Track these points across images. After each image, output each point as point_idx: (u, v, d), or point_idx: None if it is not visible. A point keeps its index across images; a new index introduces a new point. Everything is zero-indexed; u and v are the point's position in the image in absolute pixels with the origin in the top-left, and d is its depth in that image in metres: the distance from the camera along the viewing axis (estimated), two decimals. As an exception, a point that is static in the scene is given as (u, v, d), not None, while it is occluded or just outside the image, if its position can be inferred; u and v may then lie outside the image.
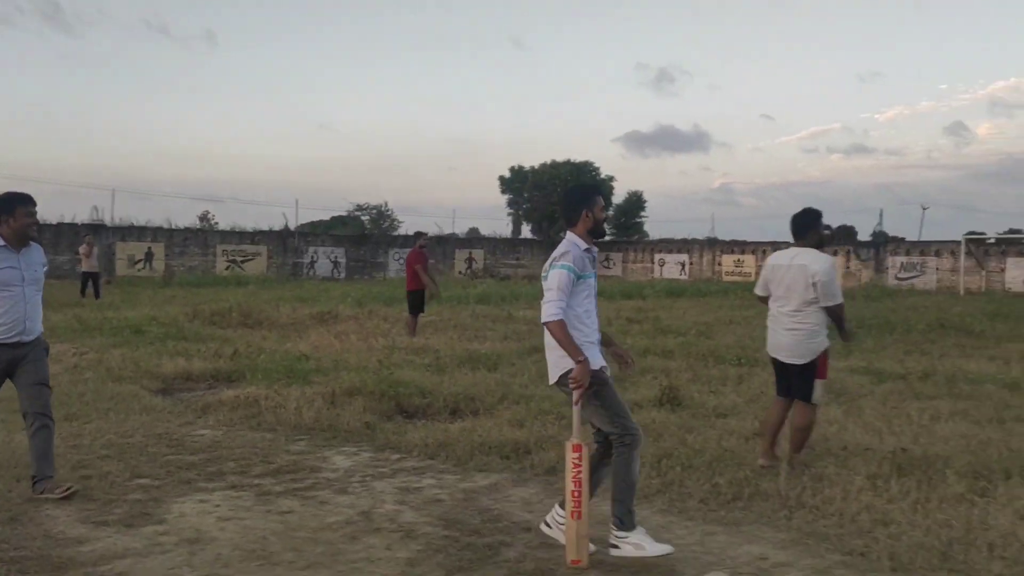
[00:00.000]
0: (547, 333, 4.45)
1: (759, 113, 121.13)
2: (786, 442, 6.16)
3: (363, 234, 42.53)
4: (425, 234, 15.29)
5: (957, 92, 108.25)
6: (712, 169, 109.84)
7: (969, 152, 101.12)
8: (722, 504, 5.32)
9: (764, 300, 6.34)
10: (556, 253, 4.54)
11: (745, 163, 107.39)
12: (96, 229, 31.83)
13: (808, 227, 6.16)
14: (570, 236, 4.65)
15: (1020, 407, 8.17)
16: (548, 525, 4.59)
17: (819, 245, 6.11)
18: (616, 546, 4.33)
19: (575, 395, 4.32)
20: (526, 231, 47.70)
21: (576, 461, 4.27)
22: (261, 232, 37.50)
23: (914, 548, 4.46)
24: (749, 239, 40.09)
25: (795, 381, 6.05)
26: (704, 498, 5.41)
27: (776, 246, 37.90)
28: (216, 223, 44.10)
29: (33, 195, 5.42)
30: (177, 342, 12.53)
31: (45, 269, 5.58)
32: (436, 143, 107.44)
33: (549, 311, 4.35)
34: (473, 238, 45.81)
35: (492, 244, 43.77)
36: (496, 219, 72.19)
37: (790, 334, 6.04)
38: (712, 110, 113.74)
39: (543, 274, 4.59)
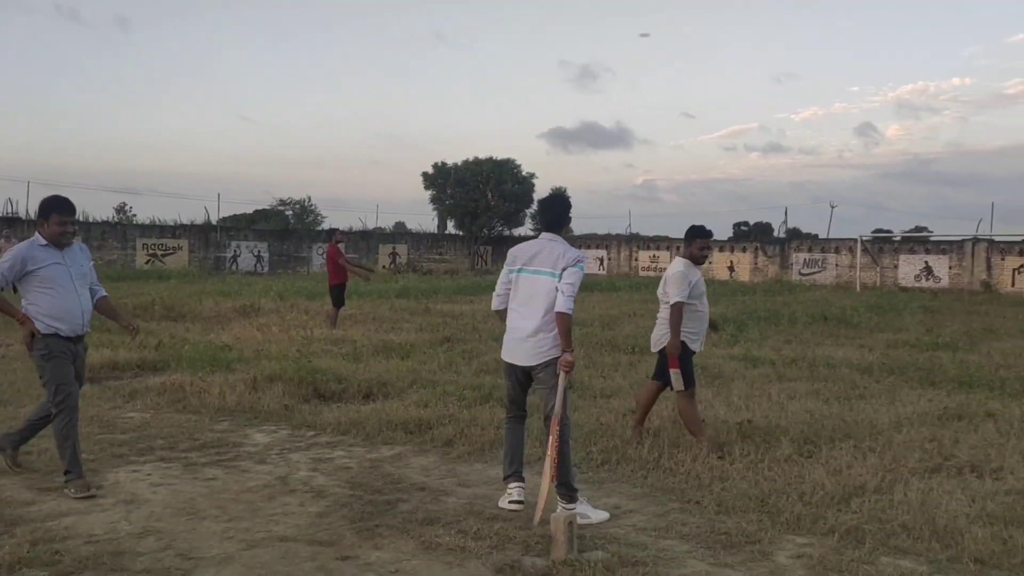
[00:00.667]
0: (533, 319, 5.22)
1: (680, 111, 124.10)
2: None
3: (286, 228, 42.61)
4: (339, 230, 16.16)
5: (868, 94, 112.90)
6: (635, 166, 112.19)
7: (878, 152, 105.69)
8: (592, 468, 6.24)
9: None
10: (570, 254, 5.21)
11: (666, 160, 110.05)
12: (11, 223, 31.34)
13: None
14: (560, 238, 5.44)
15: (866, 387, 9.34)
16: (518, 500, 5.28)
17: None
18: None
19: (562, 377, 5.14)
20: (450, 227, 48.39)
21: (557, 434, 5.02)
22: (183, 226, 37.31)
23: (739, 497, 5.43)
24: (672, 235, 41.48)
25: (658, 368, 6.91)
26: (577, 463, 6.28)
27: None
28: (134, 215, 43.56)
29: None
30: (101, 334, 12.91)
31: (91, 264, 5.80)
32: (359, 136, 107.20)
33: (568, 305, 5.12)
34: (397, 233, 46.29)
35: (416, 239, 44.32)
36: (421, 214, 72.51)
37: (658, 325, 6.98)
38: (634, 107, 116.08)
39: (549, 270, 5.19)
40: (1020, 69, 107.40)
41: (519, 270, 5.38)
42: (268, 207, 51.18)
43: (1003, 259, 30.95)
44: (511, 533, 4.75)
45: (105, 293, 5.97)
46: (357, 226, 42.53)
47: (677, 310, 6.68)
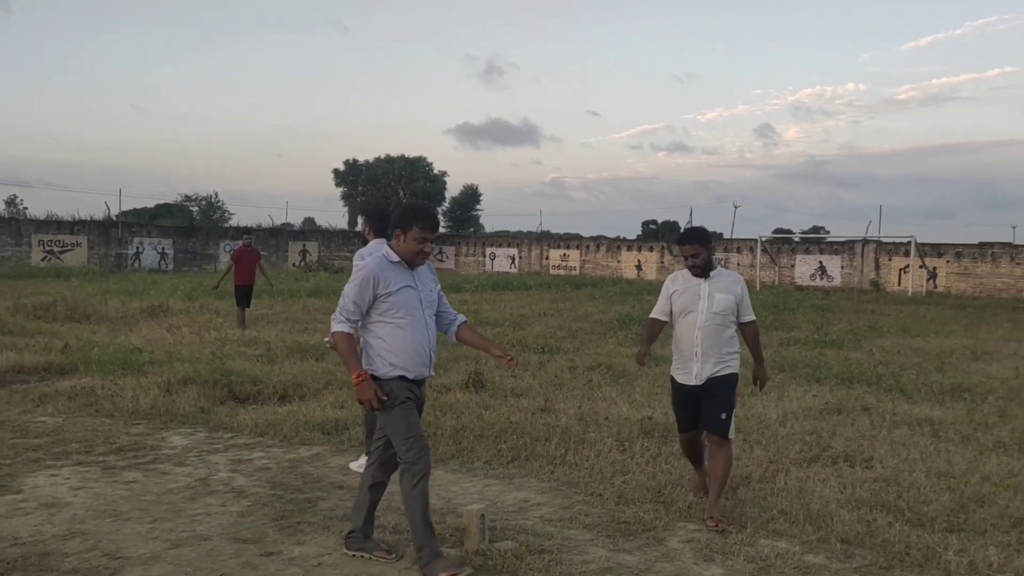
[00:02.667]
0: None
1: (586, 109, 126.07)
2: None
3: (192, 225, 41.72)
4: (247, 229, 16.23)
5: (769, 97, 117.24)
6: (543, 163, 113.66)
7: (778, 153, 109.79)
8: (502, 464, 6.60)
9: None
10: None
11: (575, 158, 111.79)
12: None
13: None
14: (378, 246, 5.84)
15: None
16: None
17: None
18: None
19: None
20: (360, 224, 48.22)
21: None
22: (81, 221, 36.16)
23: (638, 489, 5.88)
24: (583, 233, 42.34)
25: None
26: (488, 460, 6.68)
27: (601, 240, 40.42)
28: (26, 209, 41.93)
29: None
30: (2, 336, 12.64)
31: (439, 288, 4.75)
32: (262, 129, 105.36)
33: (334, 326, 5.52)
34: (307, 230, 45.86)
35: (327, 237, 44.01)
36: (332, 211, 71.70)
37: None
38: (541, 104, 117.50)
39: None
40: (910, 76, 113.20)
41: None
42: (172, 202, 49.96)
43: (890, 259, 32.78)
44: (427, 527, 5.06)
45: (464, 319, 4.88)
46: (266, 223, 41.96)
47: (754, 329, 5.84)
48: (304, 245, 42.09)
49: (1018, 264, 30.01)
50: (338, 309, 4.39)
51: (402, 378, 4.39)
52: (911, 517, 5.29)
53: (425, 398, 4.77)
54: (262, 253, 15.73)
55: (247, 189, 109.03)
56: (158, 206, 50.57)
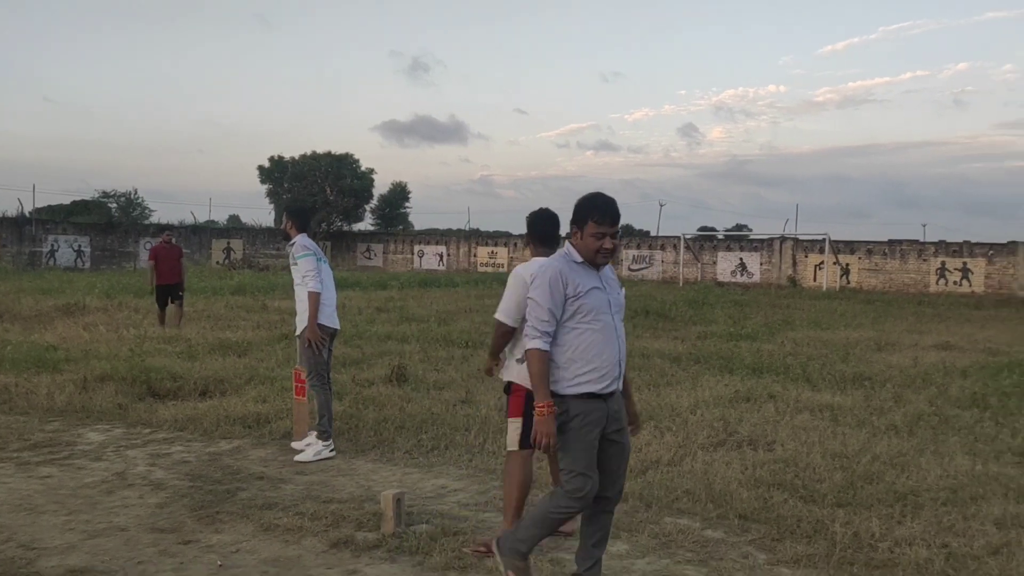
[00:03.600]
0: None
1: (513, 107, 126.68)
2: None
3: (110, 222, 40.60)
4: (168, 225, 15.85)
5: (694, 97, 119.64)
6: (471, 161, 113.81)
7: (702, 153, 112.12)
8: (422, 454, 6.76)
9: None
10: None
11: (503, 156, 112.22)
12: None
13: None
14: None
15: (673, 375, 10.35)
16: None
17: None
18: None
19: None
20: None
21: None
22: (-8, 218, 34.90)
23: (551, 475, 6.10)
24: (513, 231, 42.51)
25: None
26: (409, 450, 6.83)
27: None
28: (-67, 206, 40.20)
29: None
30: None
31: (623, 291, 4.19)
32: (183, 125, 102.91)
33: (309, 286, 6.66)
34: (231, 228, 45.09)
35: (252, 234, 43.34)
36: (257, 208, 70.60)
37: None
38: (468, 102, 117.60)
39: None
40: (828, 79, 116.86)
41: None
42: (90, 199, 48.53)
43: (806, 256, 33.92)
44: (345, 513, 5.20)
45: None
46: (188, 220, 41.13)
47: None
48: (228, 243, 41.37)
49: (924, 260, 31.39)
50: (528, 324, 3.85)
51: (590, 395, 3.83)
52: (804, 494, 5.63)
53: (621, 416, 3.99)
54: (185, 251, 15.38)
55: (169, 186, 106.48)
56: (74, 203, 49.04)
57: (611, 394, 3.85)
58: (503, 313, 4.66)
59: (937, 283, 30.87)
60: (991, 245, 30.47)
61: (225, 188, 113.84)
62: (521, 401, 4.59)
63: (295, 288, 6.86)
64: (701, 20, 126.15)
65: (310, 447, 6.55)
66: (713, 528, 5.07)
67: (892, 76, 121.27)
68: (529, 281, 4.33)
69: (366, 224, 48.73)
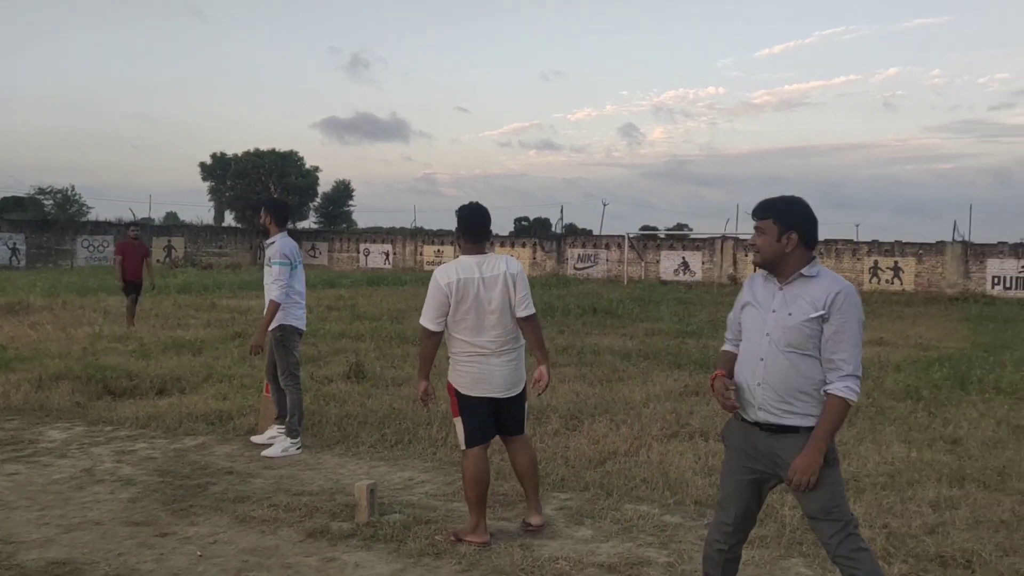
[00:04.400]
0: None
1: (455, 105, 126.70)
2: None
3: (46, 219, 39.58)
4: (135, 221, 15.54)
5: (636, 98, 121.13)
6: (414, 159, 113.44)
7: (644, 153, 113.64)
8: (387, 447, 6.93)
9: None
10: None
11: (446, 154, 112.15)
12: None
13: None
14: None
15: (624, 370, 10.67)
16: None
17: None
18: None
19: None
20: (229, 219, 46.98)
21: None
22: (-79, 215, 33.78)
23: (515, 465, 6.32)
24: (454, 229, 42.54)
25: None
26: (373, 444, 6.99)
27: (472, 238, 40.83)
28: None
29: None
30: None
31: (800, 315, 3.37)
32: (118, 120, 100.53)
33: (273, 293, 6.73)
34: (172, 225, 44.34)
35: (193, 232, 42.68)
36: (198, 205, 69.46)
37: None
38: (409, 99, 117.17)
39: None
40: (765, 81, 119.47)
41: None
42: (24, 195, 47.17)
43: (747, 255, 34.70)
44: (319, 504, 5.35)
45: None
46: (127, 217, 40.33)
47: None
48: (169, 240, 40.68)
49: (858, 259, 32.43)
50: (854, 367, 3.30)
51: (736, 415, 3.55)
52: (755, 481, 5.94)
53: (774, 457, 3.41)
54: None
55: (106, 182, 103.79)
56: (7, 199, 47.66)
57: (756, 424, 3.39)
58: (424, 317, 4.80)
59: (870, 281, 31.93)
60: (921, 245, 31.62)
61: (164, 185, 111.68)
62: (455, 399, 4.88)
63: (265, 287, 6.93)
64: (642, 22, 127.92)
65: (278, 443, 6.66)
66: (671, 513, 5.35)
67: (826, 80, 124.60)
68: (443, 284, 4.62)
69: (310, 222, 48.41)
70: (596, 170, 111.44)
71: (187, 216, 47.73)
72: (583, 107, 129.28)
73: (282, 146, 45.45)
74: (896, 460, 6.50)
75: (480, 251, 4.86)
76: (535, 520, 4.98)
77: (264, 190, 43.10)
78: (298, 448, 6.69)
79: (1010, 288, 29.70)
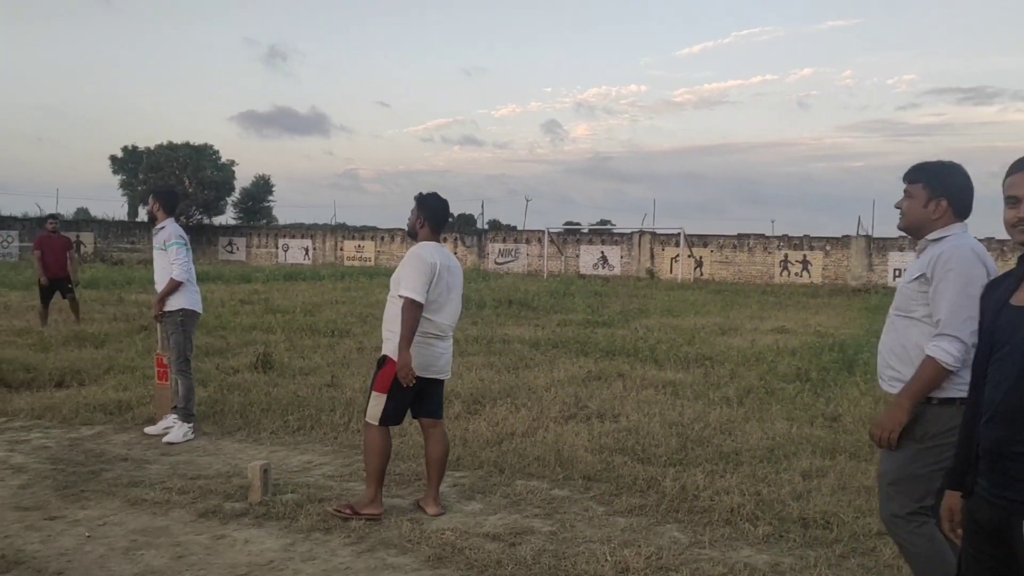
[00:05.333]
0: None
1: (375, 100, 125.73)
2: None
3: (-56, 213, 37.92)
4: (54, 214, 14.82)
5: (559, 95, 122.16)
6: (335, 154, 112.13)
7: (567, 149, 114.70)
8: (288, 433, 6.99)
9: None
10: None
11: (367, 149, 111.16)
12: None
13: None
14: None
15: (532, 358, 10.90)
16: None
17: None
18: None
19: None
20: (142, 214, 45.74)
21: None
22: None
23: (413, 447, 6.45)
24: (380, 225, 42.30)
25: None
26: (275, 430, 7.04)
27: (397, 232, 40.79)
28: None
29: None
30: None
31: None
32: (21, 112, 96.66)
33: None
34: (82, 220, 42.97)
35: (104, 227, 41.46)
36: (109, 200, 67.39)
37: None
38: (329, 93, 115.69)
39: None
40: (686, 80, 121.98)
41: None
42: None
43: (663, 249, 35.52)
44: (213, 487, 5.41)
45: None
46: (33, 212, 38.94)
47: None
48: (78, 236, 39.39)
49: (770, 253, 33.50)
50: (947, 326, 3.13)
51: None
52: (643, 457, 6.23)
53: None
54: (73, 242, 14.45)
55: (10, 176, 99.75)
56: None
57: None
58: (413, 290, 4.71)
59: (781, 274, 33.01)
60: (828, 239, 32.84)
61: (73, 179, 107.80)
62: (391, 377, 4.80)
63: (157, 268, 6.91)
64: (565, 20, 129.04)
65: (177, 428, 6.66)
66: (560, 488, 5.58)
67: (744, 79, 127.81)
68: (430, 261, 4.78)
69: (227, 218, 47.50)
70: (520, 166, 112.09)
71: (98, 211, 46.27)
72: (508, 103, 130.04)
73: (197, 139, 44.44)
74: (778, 436, 6.87)
75: (439, 240, 5.10)
76: (432, 510, 5.07)
77: (178, 184, 42.12)
78: (194, 432, 6.71)
79: (909, 280, 31.10)
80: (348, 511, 4.88)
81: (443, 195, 5.18)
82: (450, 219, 5.75)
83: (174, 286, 6.78)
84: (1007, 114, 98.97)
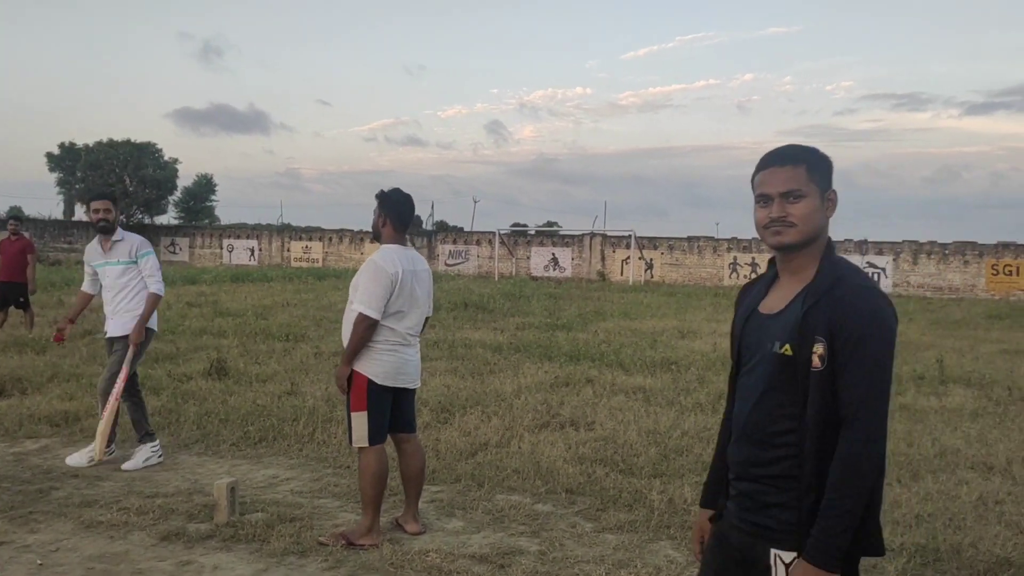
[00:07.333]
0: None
1: (316, 98, 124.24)
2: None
3: None
4: (17, 216, 13.83)
5: (506, 96, 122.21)
6: (276, 152, 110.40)
7: (514, 151, 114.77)
8: (250, 445, 6.64)
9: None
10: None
11: (309, 148, 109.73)
12: None
13: None
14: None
15: (496, 363, 10.66)
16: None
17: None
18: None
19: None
20: (80, 213, 44.34)
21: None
22: None
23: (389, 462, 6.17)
24: (326, 226, 41.63)
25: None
26: (235, 442, 6.68)
27: (344, 233, 40.18)
28: None
29: None
30: None
31: None
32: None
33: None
34: (14, 219, 41.42)
35: (40, 227, 40.01)
36: (45, 198, 65.23)
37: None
38: (268, 90, 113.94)
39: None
40: (631, 83, 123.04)
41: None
42: None
43: (614, 251, 35.58)
44: (174, 506, 5.06)
45: None
46: (-35, 210, 37.41)
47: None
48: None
49: (719, 256, 33.77)
50: None
51: None
52: (624, 468, 6.03)
53: None
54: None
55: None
56: None
57: None
58: (367, 305, 4.45)
59: (730, 276, 33.30)
60: (776, 242, 33.24)
61: (6, 177, 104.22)
62: (364, 391, 4.51)
63: (112, 286, 6.21)
64: (512, 21, 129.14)
65: (139, 453, 6.07)
66: (543, 502, 5.34)
67: (687, 83, 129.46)
68: (390, 272, 4.44)
69: (169, 217, 46.32)
70: (465, 167, 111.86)
71: (31, 210, 44.70)
72: (453, 104, 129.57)
73: (138, 137, 43.23)
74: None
75: (403, 242, 4.74)
76: (412, 528, 4.79)
77: (118, 183, 40.92)
78: (160, 457, 6.14)
79: (855, 283, 31.60)
80: (343, 541, 4.53)
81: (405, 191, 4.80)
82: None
83: (157, 302, 6.23)
84: (939, 120, 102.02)
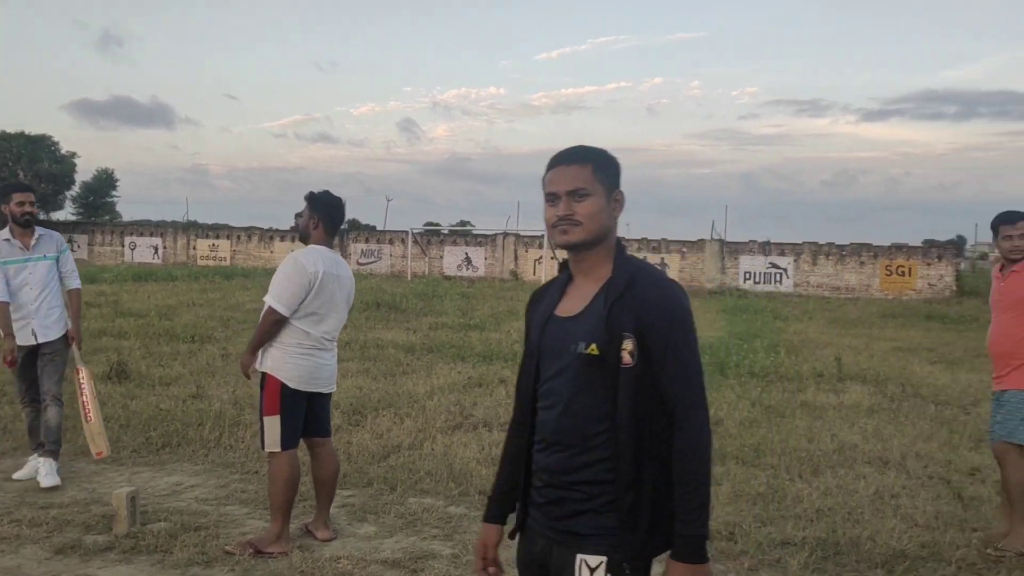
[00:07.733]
0: None
1: (223, 92, 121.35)
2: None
3: None
4: None
5: (419, 95, 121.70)
6: (181, 148, 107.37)
7: (427, 150, 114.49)
8: (152, 452, 6.42)
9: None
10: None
11: (216, 144, 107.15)
12: None
13: None
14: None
15: (409, 364, 10.58)
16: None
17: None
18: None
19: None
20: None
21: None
22: None
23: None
24: (234, 223, 40.57)
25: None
26: (136, 448, 6.45)
27: (253, 231, 39.26)
28: None
29: None
30: None
31: None
32: None
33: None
34: None
35: (-77, 221, 37.86)
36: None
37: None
38: (171, 83, 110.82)
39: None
40: (544, 84, 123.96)
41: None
42: None
43: (527, 251, 35.78)
44: (69, 517, 4.85)
45: None
46: None
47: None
48: None
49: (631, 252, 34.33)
50: None
51: None
52: (537, 468, 6.05)
53: None
54: None
55: None
56: None
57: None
58: (277, 300, 4.37)
59: (641, 277, 33.89)
60: (684, 242, 33.99)
61: None
62: (277, 395, 4.40)
63: (38, 283, 5.82)
64: (425, 19, 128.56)
65: (43, 467, 5.62)
66: (456, 505, 5.32)
67: (599, 85, 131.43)
68: (310, 271, 4.37)
69: (67, 213, 44.42)
70: (377, 165, 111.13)
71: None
72: (366, 102, 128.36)
73: (33, 129, 41.37)
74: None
75: (331, 244, 4.69)
76: (323, 534, 4.69)
77: (11, 176, 39.03)
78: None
79: (759, 283, 32.55)
80: (251, 550, 4.41)
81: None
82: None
83: (80, 297, 6.03)
84: (837, 126, 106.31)
